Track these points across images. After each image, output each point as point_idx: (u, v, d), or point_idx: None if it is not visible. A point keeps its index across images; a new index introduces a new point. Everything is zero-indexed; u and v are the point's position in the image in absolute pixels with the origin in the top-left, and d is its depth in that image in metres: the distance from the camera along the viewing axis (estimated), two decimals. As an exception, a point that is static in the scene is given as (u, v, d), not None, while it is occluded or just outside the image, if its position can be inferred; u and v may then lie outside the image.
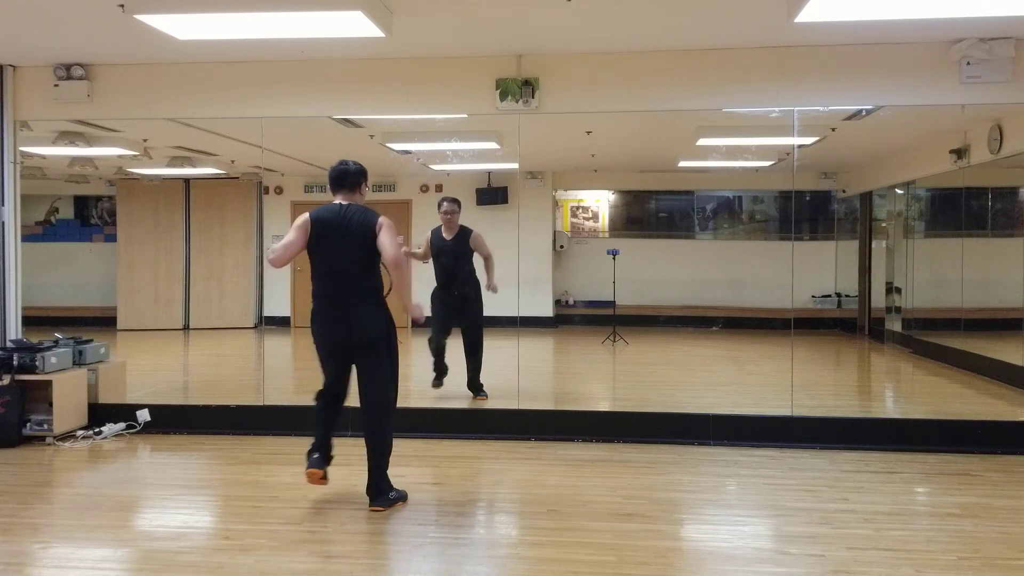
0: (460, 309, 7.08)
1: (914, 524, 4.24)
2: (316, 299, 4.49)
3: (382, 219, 4.44)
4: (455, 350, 7.13)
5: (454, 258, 7.02)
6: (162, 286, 12.61)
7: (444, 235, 7.06)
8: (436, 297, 7.13)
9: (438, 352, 7.12)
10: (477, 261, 7.21)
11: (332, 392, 4.59)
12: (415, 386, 7.06)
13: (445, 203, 7.05)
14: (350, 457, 5.54)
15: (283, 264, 4.46)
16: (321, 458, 4.52)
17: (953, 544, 3.92)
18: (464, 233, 7.06)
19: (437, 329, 7.10)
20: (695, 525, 4.31)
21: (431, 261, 7.13)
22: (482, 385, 7.07)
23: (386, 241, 4.36)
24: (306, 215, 4.47)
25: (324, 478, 4.49)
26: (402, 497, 4.52)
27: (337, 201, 4.50)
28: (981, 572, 3.60)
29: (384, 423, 4.47)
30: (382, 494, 4.44)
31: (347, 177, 4.53)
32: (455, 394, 7.03)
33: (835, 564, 3.66)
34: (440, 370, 7.15)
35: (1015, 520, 4.29)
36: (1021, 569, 3.65)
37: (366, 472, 4.45)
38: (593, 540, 3.96)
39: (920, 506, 4.70)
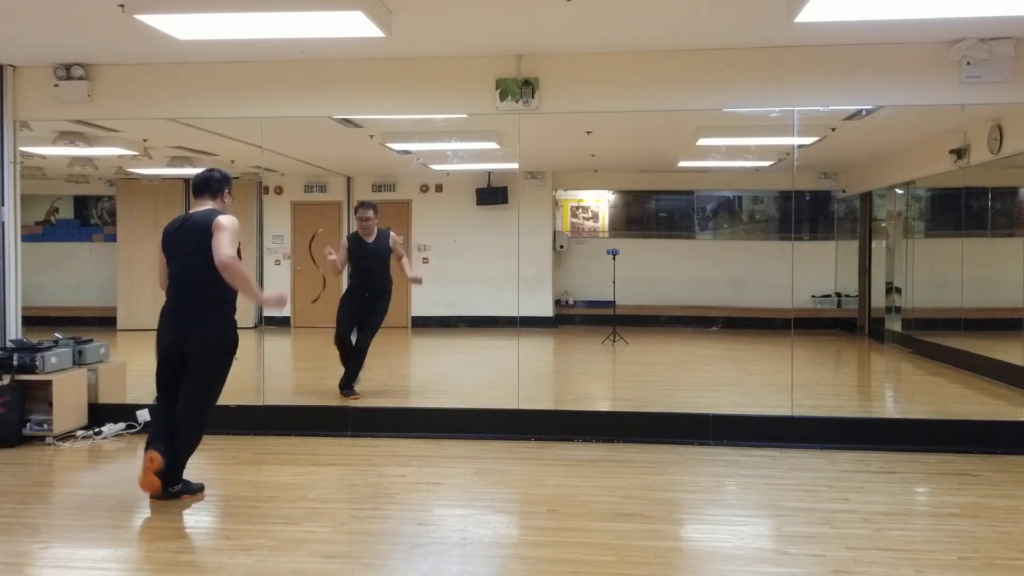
0: (369, 311, 7.06)
1: (914, 524, 4.24)
2: (166, 302, 4.57)
3: (220, 219, 4.42)
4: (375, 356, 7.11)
5: (378, 260, 7.05)
6: (162, 286, 12.59)
7: (365, 239, 7.07)
8: (347, 299, 7.13)
9: (344, 348, 7.06)
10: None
11: (166, 397, 4.57)
12: (414, 386, 7.05)
13: (360, 209, 7.10)
14: (349, 457, 5.56)
15: (164, 284, 4.58)
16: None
17: (953, 544, 3.92)
18: (384, 235, 7.11)
19: (345, 325, 7.06)
20: (695, 525, 4.31)
21: (348, 266, 7.13)
22: (355, 384, 7.05)
23: (218, 241, 4.33)
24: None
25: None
26: (190, 490, 4.58)
27: (199, 208, 4.56)
28: (981, 572, 3.60)
29: (193, 415, 4.53)
30: (170, 484, 4.50)
31: (210, 184, 4.60)
32: (455, 394, 7.04)
33: (835, 564, 3.66)
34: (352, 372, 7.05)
35: (1015, 520, 4.29)
36: (1021, 569, 3.65)
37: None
38: (593, 540, 3.96)
39: (920, 506, 4.70)
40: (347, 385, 6.98)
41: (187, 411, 4.52)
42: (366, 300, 7.05)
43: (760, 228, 13.76)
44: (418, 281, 7.20)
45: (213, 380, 4.57)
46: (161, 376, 4.58)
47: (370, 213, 7.06)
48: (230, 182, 4.71)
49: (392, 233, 7.16)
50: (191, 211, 4.59)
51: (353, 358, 7.02)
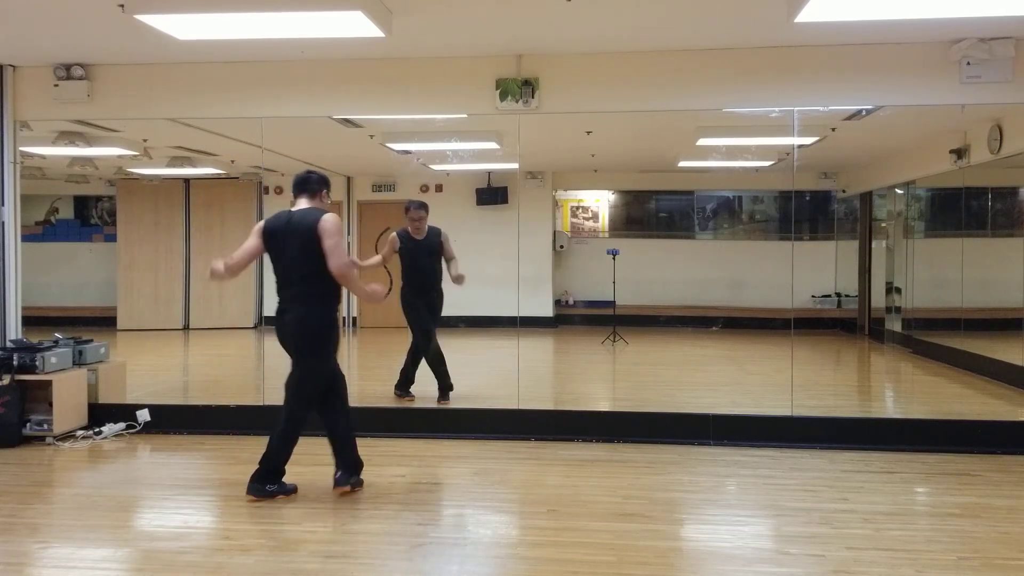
0: (434, 311, 7.01)
1: (914, 524, 4.24)
2: (278, 303, 4.68)
3: (324, 219, 4.49)
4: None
5: (434, 258, 6.98)
6: (162, 286, 12.60)
7: (416, 237, 6.93)
8: (413, 300, 6.93)
9: (437, 356, 6.94)
10: None
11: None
12: (414, 387, 7.05)
13: (413, 208, 6.95)
14: (350, 457, 5.54)
15: (238, 269, 4.63)
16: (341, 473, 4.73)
17: (953, 544, 3.92)
18: (434, 232, 7.03)
19: (427, 332, 6.92)
20: (695, 525, 4.31)
21: (394, 265, 6.96)
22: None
23: (332, 250, 4.44)
24: (262, 223, 4.65)
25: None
26: (285, 491, 4.64)
27: (298, 206, 4.64)
28: (981, 572, 3.60)
29: (285, 410, 4.73)
30: (266, 482, 4.61)
31: (308, 184, 4.69)
32: (455, 394, 7.02)
33: (835, 564, 3.66)
34: (410, 379, 7.00)
35: (1015, 520, 4.29)
36: (1021, 569, 3.65)
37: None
38: (593, 540, 3.96)
39: (920, 506, 4.70)
40: (445, 391, 6.92)
41: (284, 406, 4.71)
42: (434, 300, 6.97)
43: (760, 228, 13.76)
44: (461, 280, 7.06)
45: (304, 372, 4.69)
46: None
47: (423, 212, 6.97)
48: (328, 183, 4.80)
49: (443, 232, 7.06)
50: (292, 209, 4.64)
51: (437, 360, 6.94)
